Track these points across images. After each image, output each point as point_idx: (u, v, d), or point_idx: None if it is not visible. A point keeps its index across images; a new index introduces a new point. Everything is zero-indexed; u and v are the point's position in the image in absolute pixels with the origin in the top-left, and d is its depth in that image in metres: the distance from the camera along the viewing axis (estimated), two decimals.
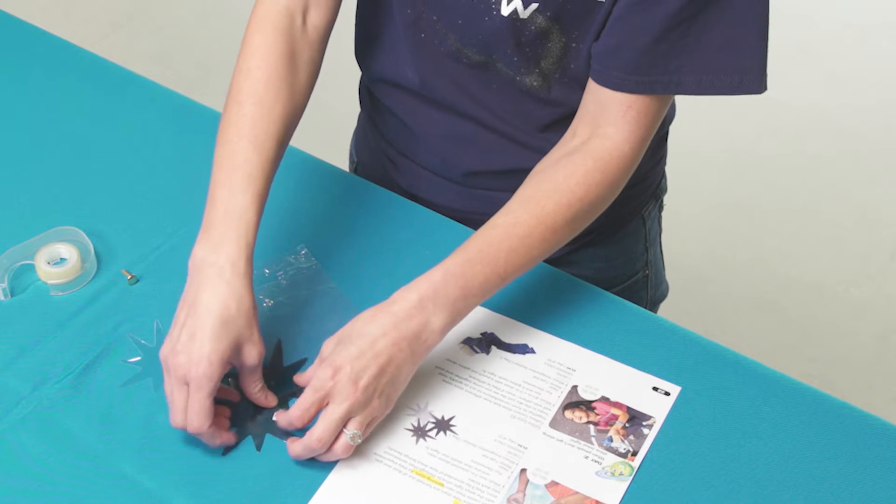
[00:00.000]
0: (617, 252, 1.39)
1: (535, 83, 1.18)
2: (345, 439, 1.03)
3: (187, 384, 1.03)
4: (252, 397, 1.09)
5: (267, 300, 1.20)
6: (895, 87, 2.97)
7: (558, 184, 1.12)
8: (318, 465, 1.06)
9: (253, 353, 1.06)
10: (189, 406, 1.03)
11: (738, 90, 1.11)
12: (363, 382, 1.02)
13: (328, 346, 1.05)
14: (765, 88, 1.11)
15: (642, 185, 1.37)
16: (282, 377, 1.12)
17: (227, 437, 1.06)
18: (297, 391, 1.09)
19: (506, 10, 1.12)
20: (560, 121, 1.21)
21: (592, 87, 1.14)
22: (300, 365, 1.13)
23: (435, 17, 1.17)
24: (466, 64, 1.19)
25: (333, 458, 1.04)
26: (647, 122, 1.13)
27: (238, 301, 1.05)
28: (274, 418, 1.07)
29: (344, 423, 1.02)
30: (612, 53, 1.10)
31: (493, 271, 1.08)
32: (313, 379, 1.03)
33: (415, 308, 1.05)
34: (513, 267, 1.10)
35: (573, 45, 1.14)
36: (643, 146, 1.15)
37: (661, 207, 1.45)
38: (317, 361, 1.06)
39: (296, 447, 1.04)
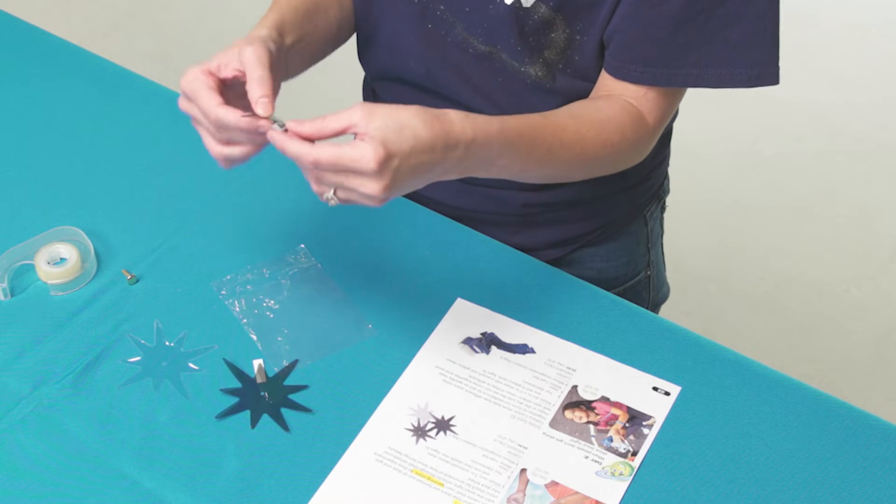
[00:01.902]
0: (618, 252, 1.39)
1: (539, 73, 1.18)
2: (323, 189, 0.97)
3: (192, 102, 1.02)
4: (251, 97, 1.00)
5: (268, 300, 1.20)
6: (895, 86, 2.97)
7: (602, 122, 1.12)
8: (319, 464, 1.06)
9: (248, 51, 1.01)
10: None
11: (758, 82, 1.12)
12: (395, 187, 0.96)
13: (374, 115, 0.95)
14: (779, 80, 1.12)
15: (645, 185, 1.37)
16: (278, 391, 1.12)
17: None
18: (290, 402, 1.11)
19: None
20: None
21: (607, 77, 1.15)
22: (299, 389, 1.12)
23: (442, 7, 1.17)
24: (472, 54, 1.19)
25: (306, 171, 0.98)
26: (666, 103, 1.16)
27: (247, 37, 1.05)
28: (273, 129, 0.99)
29: (345, 188, 0.97)
30: (628, 48, 1.11)
31: (525, 158, 1.06)
32: (356, 146, 0.94)
33: (465, 145, 0.99)
34: (536, 167, 1.08)
35: (577, 37, 1.14)
36: (662, 124, 1.17)
37: (663, 208, 1.45)
38: (358, 119, 0.95)
39: (290, 145, 0.96)
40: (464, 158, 1.00)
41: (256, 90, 0.99)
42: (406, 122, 0.96)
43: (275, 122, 0.98)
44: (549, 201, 1.31)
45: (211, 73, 1.02)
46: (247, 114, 0.99)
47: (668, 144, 1.39)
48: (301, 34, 1.15)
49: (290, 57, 1.13)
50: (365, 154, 0.93)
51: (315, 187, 0.98)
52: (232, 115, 0.98)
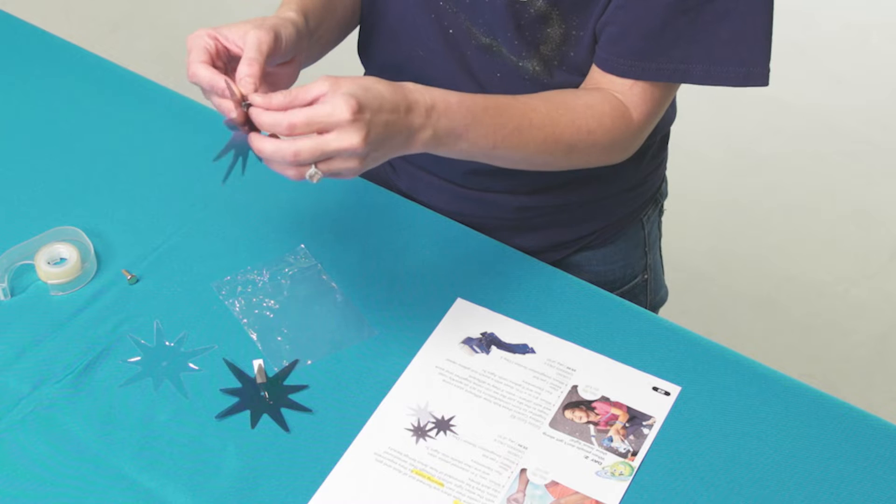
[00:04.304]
0: (616, 256, 1.39)
1: (536, 68, 1.18)
2: (305, 171, 0.97)
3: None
4: (238, 73, 1.02)
5: (268, 300, 1.20)
6: (895, 86, 2.97)
7: (577, 107, 1.12)
8: (318, 464, 1.06)
9: (252, 33, 1.03)
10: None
11: (746, 82, 1.11)
12: (372, 141, 0.97)
13: (340, 82, 0.98)
14: (768, 82, 1.11)
15: (642, 189, 1.37)
16: (278, 391, 1.12)
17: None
18: (290, 402, 1.11)
19: None
20: None
21: (596, 70, 1.15)
22: (299, 389, 1.13)
23: None
24: (475, 46, 1.19)
25: (279, 171, 0.98)
26: (653, 99, 1.15)
27: (271, 17, 1.06)
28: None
29: (326, 158, 0.97)
30: (617, 41, 1.11)
31: (493, 133, 1.07)
32: (327, 102, 0.96)
33: (425, 108, 1.02)
34: (507, 145, 1.08)
35: (573, 33, 1.14)
36: (649, 121, 1.16)
37: (661, 212, 1.45)
38: (326, 89, 0.97)
39: (266, 144, 0.97)
40: (426, 125, 1.02)
41: (244, 68, 1.01)
42: (370, 84, 0.98)
43: (244, 103, 1.00)
44: (543, 205, 1.31)
45: (215, 38, 1.04)
46: (224, 77, 1.01)
47: (666, 148, 1.39)
48: (320, 20, 1.17)
49: (311, 43, 1.14)
50: (337, 106, 0.95)
51: (292, 172, 0.97)
52: (204, 75, 1.01)
